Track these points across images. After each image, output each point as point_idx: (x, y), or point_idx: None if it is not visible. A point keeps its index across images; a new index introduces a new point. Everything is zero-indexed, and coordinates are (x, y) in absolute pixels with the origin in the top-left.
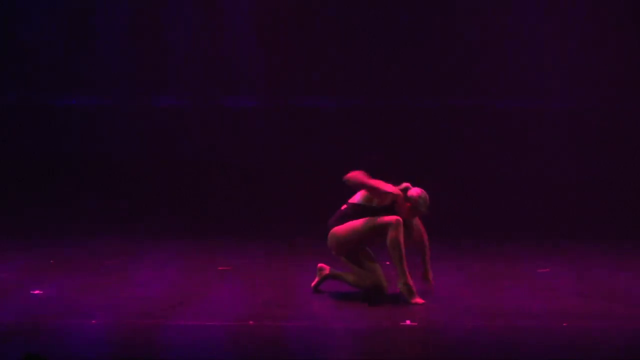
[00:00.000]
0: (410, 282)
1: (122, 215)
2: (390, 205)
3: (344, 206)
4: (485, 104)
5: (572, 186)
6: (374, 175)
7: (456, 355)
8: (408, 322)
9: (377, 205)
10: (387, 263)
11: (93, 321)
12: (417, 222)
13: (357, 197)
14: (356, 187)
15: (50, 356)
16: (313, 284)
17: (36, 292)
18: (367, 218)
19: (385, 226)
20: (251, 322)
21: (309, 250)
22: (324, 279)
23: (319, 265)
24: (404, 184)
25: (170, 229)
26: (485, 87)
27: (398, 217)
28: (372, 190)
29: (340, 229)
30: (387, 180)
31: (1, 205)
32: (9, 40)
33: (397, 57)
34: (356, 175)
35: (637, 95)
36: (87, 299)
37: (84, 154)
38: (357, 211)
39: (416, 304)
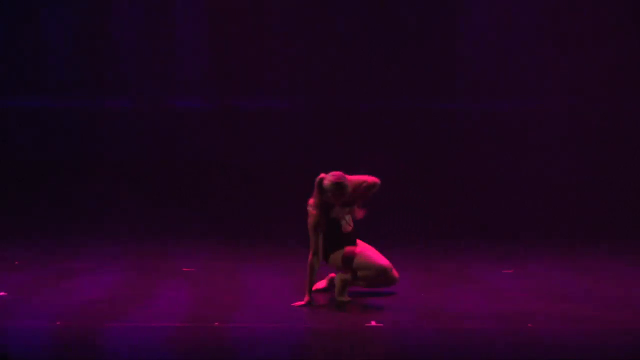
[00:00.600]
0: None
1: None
2: (347, 203)
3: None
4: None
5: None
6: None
7: (421, 356)
8: (373, 323)
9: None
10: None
11: (46, 323)
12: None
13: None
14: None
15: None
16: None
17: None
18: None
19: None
20: (217, 323)
21: (263, 252)
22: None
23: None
24: (320, 176)
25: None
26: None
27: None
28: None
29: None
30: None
31: None
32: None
33: (352, 58)
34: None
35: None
36: (46, 300)
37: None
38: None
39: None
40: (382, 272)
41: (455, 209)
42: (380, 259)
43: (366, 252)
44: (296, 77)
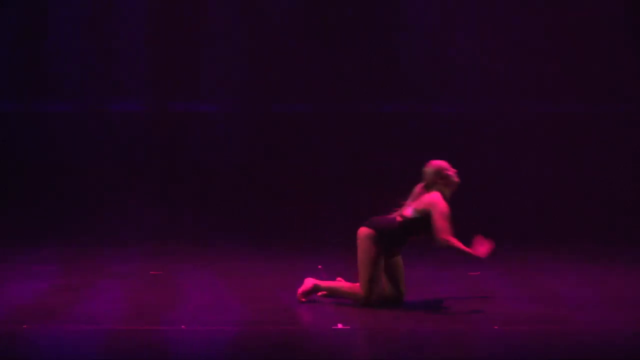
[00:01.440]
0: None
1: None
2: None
3: (397, 217)
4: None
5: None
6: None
7: (387, 359)
8: (340, 325)
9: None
10: (319, 267)
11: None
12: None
13: (409, 211)
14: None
15: None
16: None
17: None
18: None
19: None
20: (183, 326)
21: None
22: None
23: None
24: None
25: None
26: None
27: None
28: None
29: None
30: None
31: None
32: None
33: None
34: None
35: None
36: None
37: None
38: (409, 226)
39: None
40: (395, 298)
41: None
42: (402, 284)
43: (400, 269)
44: (232, 80)
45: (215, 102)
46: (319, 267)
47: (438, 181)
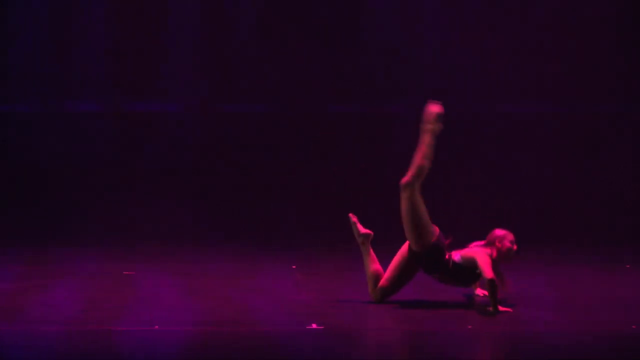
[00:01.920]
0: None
1: None
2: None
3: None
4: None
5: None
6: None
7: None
8: (314, 325)
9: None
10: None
11: None
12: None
13: (458, 256)
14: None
15: None
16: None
17: None
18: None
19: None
20: (157, 326)
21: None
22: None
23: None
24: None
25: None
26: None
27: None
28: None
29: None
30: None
31: None
32: None
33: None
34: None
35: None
36: None
37: None
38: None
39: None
40: (383, 292)
41: None
42: (394, 290)
43: (408, 279)
44: (190, 80)
45: (169, 102)
46: (293, 267)
47: (496, 245)
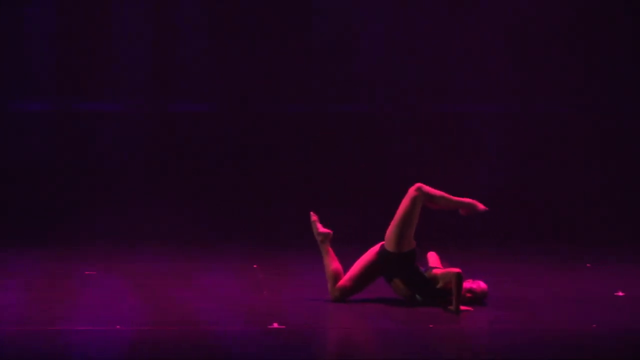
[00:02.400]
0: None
1: None
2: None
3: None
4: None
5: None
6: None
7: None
8: (275, 325)
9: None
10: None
11: None
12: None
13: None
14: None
15: None
16: None
17: None
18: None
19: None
20: (118, 326)
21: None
22: None
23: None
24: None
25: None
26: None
27: None
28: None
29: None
30: None
31: None
32: None
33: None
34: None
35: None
36: None
37: None
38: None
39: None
40: (344, 291)
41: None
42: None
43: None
44: (136, 80)
45: (118, 102)
46: (255, 266)
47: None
